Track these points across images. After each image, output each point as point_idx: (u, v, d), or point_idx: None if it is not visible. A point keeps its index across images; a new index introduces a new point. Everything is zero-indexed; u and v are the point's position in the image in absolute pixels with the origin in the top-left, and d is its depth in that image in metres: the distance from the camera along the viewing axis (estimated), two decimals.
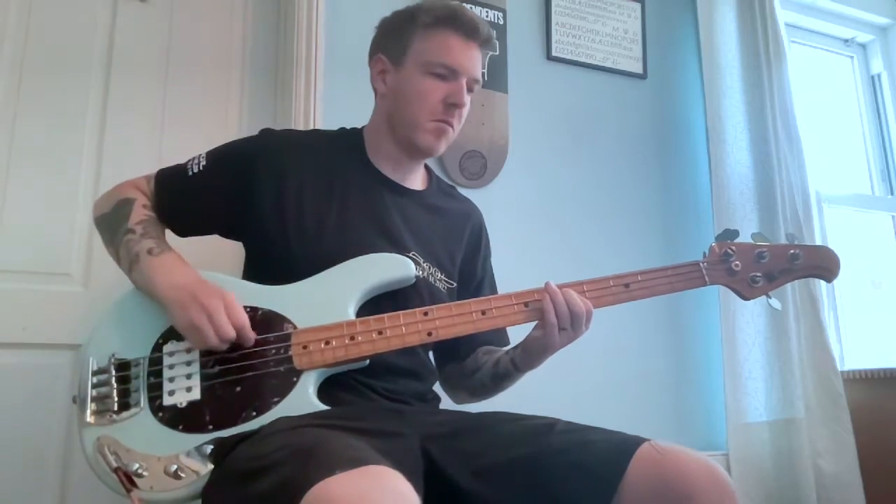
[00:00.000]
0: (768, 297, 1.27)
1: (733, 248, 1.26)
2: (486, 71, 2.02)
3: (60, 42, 1.74)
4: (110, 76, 1.77)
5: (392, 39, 1.28)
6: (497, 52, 2.06)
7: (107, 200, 1.25)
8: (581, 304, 1.15)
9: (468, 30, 1.24)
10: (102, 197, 1.27)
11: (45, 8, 1.74)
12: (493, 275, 1.44)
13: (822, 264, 1.28)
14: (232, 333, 1.07)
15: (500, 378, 1.29)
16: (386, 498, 0.76)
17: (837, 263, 1.28)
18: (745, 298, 1.28)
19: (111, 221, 1.21)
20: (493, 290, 1.41)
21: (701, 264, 1.26)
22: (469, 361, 1.33)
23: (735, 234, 1.27)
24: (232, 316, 1.08)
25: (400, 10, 1.30)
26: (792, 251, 1.27)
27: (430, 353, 1.33)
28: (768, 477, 2.06)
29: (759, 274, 1.25)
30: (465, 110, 1.29)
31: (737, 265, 1.25)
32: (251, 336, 1.09)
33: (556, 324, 1.14)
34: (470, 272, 1.37)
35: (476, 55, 1.26)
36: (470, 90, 1.27)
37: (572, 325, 1.15)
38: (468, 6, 2.02)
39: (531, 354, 1.23)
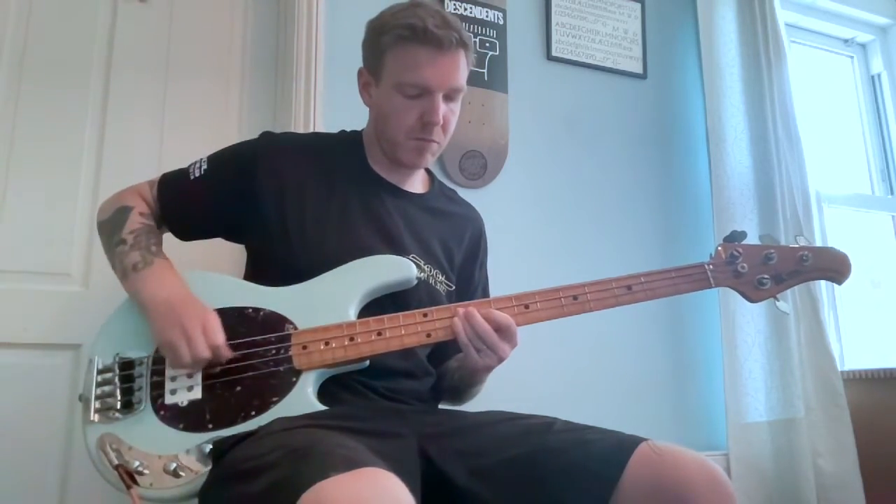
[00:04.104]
0: (776, 299, 1.23)
1: (740, 249, 1.23)
2: (485, 71, 2.02)
3: (60, 42, 1.74)
4: (110, 76, 1.77)
5: (369, 53, 1.26)
6: (496, 52, 2.06)
7: (108, 207, 1.26)
8: (482, 323, 1.10)
9: (436, 43, 1.17)
10: (106, 202, 1.28)
11: (45, 8, 1.74)
12: (487, 282, 1.44)
13: (832, 266, 1.24)
14: (206, 354, 1.08)
15: (456, 390, 1.31)
16: (381, 500, 0.76)
17: (848, 266, 1.24)
18: (752, 301, 1.24)
19: (108, 229, 1.23)
20: (487, 297, 1.40)
21: (706, 266, 1.22)
22: (441, 367, 1.33)
23: (743, 235, 1.24)
24: (209, 336, 1.08)
25: (373, 21, 1.26)
26: (801, 253, 1.23)
27: None
28: (768, 477, 2.06)
29: (766, 276, 1.22)
30: (453, 118, 1.25)
31: (743, 267, 1.22)
32: (226, 355, 1.10)
33: (469, 344, 1.11)
34: (467, 277, 1.37)
35: (450, 63, 1.20)
36: (452, 99, 1.23)
37: (486, 345, 1.11)
38: (466, 6, 2.06)
39: (468, 372, 1.23)
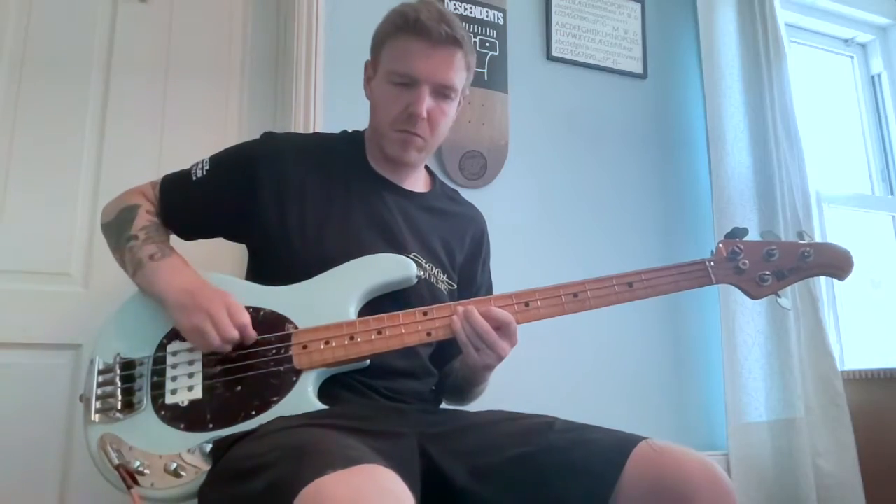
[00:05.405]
0: (777, 296, 1.22)
1: (741, 245, 1.22)
2: (485, 71, 2.02)
3: (60, 42, 1.74)
4: (110, 76, 1.77)
5: (373, 46, 1.28)
6: (496, 52, 2.06)
7: (113, 207, 1.27)
8: (481, 322, 1.10)
9: (425, 34, 1.18)
10: (109, 204, 1.29)
11: (45, 8, 1.74)
12: (490, 281, 1.44)
13: (834, 262, 1.22)
14: (234, 334, 1.08)
15: (459, 390, 1.31)
16: (379, 497, 0.76)
17: (850, 262, 1.22)
18: (753, 298, 1.23)
19: (116, 228, 1.23)
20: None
21: (707, 263, 1.21)
22: (446, 368, 1.33)
23: (744, 231, 1.23)
24: (233, 317, 1.09)
25: (385, 16, 1.28)
26: (802, 249, 1.21)
27: None
28: (768, 477, 2.06)
29: (767, 272, 1.21)
30: (444, 118, 1.25)
31: (745, 263, 1.21)
32: (252, 335, 1.11)
33: (467, 342, 1.11)
34: (470, 277, 1.37)
35: (441, 58, 1.20)
36: (443, 97, 1.23)
37: (485, 343, 1.10)
38: (466, 6, 2.06)
39: (469, 372, 1.24)
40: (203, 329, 1.07)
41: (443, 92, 1.23)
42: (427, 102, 1.21)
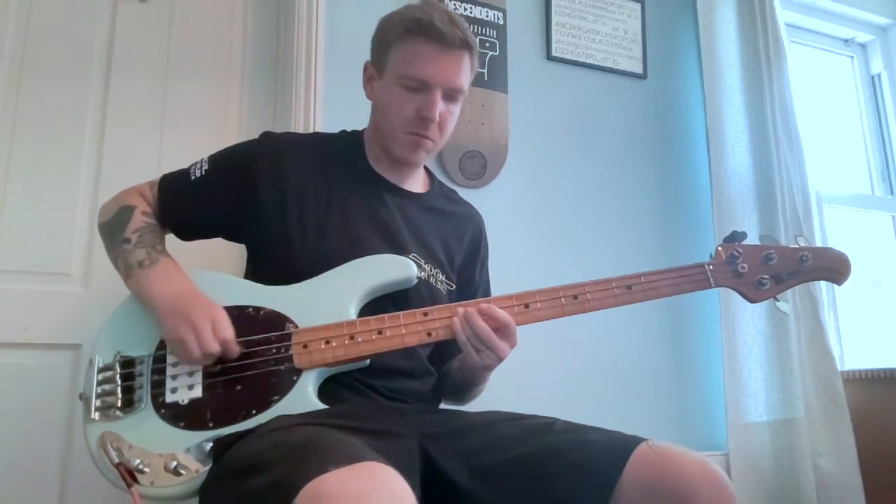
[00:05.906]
0: (776, 299, 1.23)
1: (740, 249, 1.22)
2: (485, 71, 2.03)
3: (60, 42, 1.74)
4: (110, 76, 1.77)
5: (377, 47, 1.27)
6: (496, 52, 2.07)
7: (109, 207, 1.27)
8: (481, 324, 1.10)
9: (439, 38, 1.19)
10: (106, 203, 1.29)
11: (45, 8, 1.74)
12: (488, 282, 1.44)
13: (832, 266, 1.23)
14: (216, 348, 1.08)
15: (458, 389, 1.31)
16: (380, 495, 0.76)
17: (847, 266, 1.23)
18: (752, 301, 1.24)
19: (111, 229, 1.23)
20: (488, 297, 1.40)
21: (706, 266, 1.22)
22: (444, 367, 1.33)
23: (743, 235, 1.24)
24: (217, 330, 1.08)
25: (386, 17, 1.28)
26: (801, 253, 1.22)
27: None
28: (768, 477, 2.06)
29: (766, 276, 1.21)
30: (451, 119, 1.26)
31: (743, 267, 1.21)
32: (235, 351, 1.10)
33: (467, 343, 1.11)
34: (468, 278, 1.37)
35: (453, 62, 1.21)
36: (452, 99, 1.24)
37: (485, 345, 1.11)
38: (466, 6, 2.06)
39: (468, 372, 1.24)
40: (185, 340, 1.07)
41: (452, 95, 1.24)
42: (439, 107, 1.21)
